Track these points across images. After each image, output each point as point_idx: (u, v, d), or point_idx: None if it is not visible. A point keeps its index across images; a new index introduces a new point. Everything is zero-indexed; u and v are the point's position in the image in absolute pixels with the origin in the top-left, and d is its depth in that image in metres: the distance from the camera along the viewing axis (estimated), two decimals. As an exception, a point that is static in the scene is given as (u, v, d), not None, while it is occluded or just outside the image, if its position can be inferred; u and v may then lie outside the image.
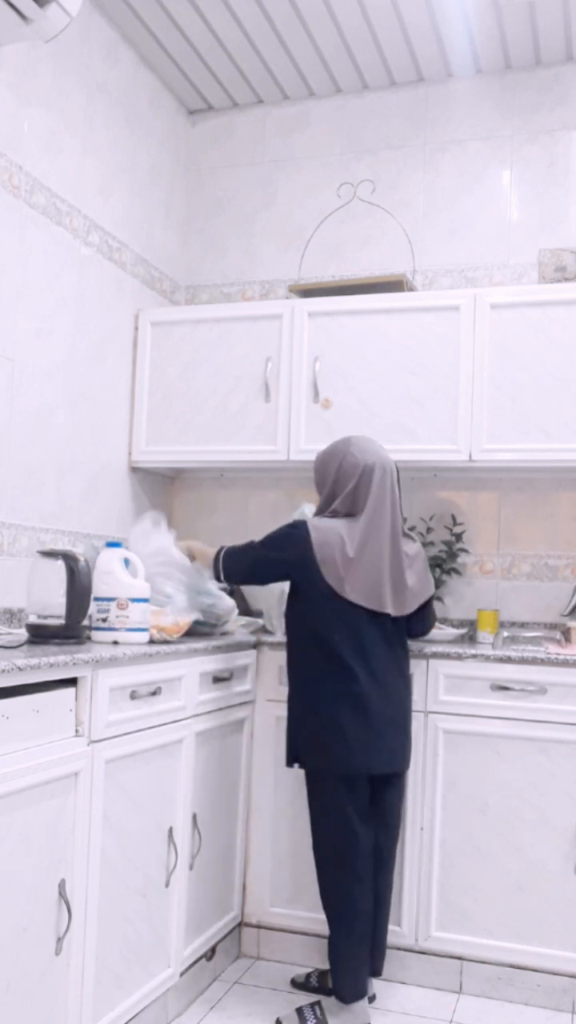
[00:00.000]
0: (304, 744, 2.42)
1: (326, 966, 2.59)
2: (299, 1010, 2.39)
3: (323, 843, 2.41)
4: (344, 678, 2.35)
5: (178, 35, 3.27)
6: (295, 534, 2.42)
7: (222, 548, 2.61)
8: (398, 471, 2.51)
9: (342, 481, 2.45)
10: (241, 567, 2.57)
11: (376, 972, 2.49)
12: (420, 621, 2.55)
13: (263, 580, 2.61)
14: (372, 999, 2.51)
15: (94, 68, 3.10)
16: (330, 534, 2.38)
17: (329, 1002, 2.39)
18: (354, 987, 2.35)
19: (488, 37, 3.24)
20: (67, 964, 1.91)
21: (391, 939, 2.60)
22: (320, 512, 2.51)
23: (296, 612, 2.47)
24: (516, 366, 2.97)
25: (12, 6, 2.03)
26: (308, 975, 2.63)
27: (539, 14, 3.10)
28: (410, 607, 2.46)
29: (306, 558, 2.38)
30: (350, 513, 2.43)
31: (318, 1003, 2.40)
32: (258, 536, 2.56)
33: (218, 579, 2.61)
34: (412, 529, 3.30)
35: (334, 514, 2.45)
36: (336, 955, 2.37)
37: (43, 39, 2.16)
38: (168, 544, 2.71)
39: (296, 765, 2.46)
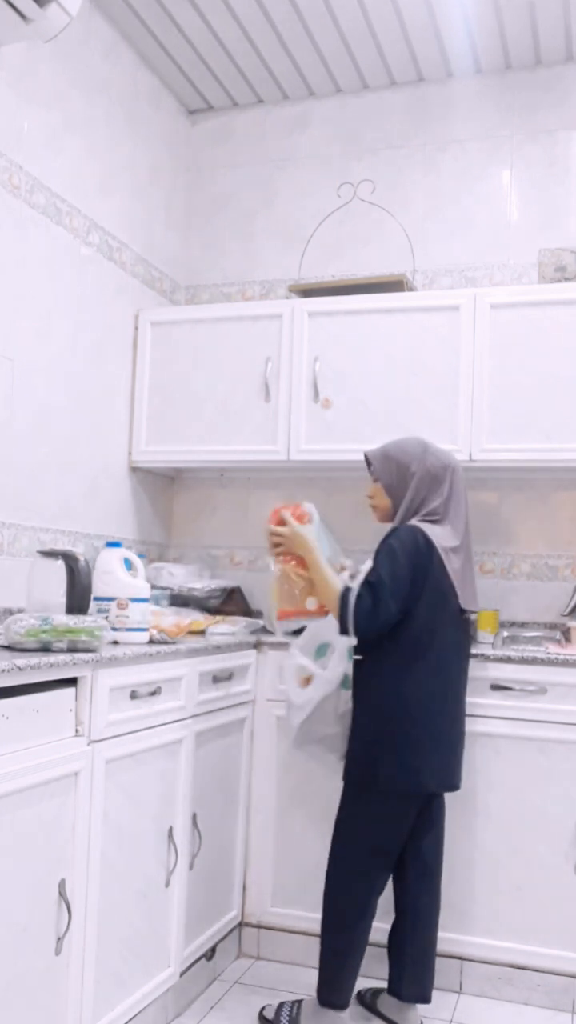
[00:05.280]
0: (386, 759, 2.24)
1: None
2: (281, 1005, 2.38)
3: (359, 851, 2.30)
4: (436, 692, 2.28)
5: (178, 35, 3.27)
6: (420, 541, 2.26)
7: (347, 591, 2.24)
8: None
9: (434, 485, 2.36)
10: (380, 613, 2.21)
11: (426, 998, 2.38)
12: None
13: (394, 619, 2.25)
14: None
15: (94, 68, 3.10)
16: (442, 539, 2.30)
17: (308, 1003, 2.34)
18: (339, 994, 2.29)
19: (488, 37, 3.24)
20: (67, 964, 1.91)
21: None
22: (409, 517, 2.36)
23: (405, 623, 2.27)
24: (516, 366, 2.97)
25: (12, 6, 2.03)
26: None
27: (539, 14, 3.10)
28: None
29: (431, 564, 2.26)
30: (443, 516, 2.36)
31: (299, 1002, 2.37)
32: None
33: (345, 632, 2.24)
34: None
35: (430, 518, 2.34)
36: (332, 959, 2.30)
37: (43, 39, 2.16)
38: None
39: (348, 778, 2.32)
